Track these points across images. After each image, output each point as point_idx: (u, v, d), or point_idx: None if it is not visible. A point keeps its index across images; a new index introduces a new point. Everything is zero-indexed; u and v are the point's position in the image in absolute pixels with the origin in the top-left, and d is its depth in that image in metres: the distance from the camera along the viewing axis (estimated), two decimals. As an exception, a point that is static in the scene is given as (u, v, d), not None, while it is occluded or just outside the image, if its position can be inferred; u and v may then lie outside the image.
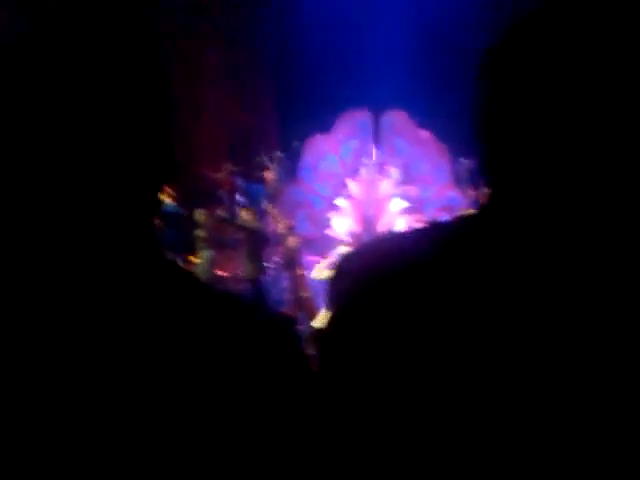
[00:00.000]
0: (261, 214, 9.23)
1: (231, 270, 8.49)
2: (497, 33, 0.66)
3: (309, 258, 8.72)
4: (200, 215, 7.20)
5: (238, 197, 10.45)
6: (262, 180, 12.57)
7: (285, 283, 6.80)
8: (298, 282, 6.71)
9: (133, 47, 0.62)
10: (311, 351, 0.72)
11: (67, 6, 0.60)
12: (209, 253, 7.03)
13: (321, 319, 5.74)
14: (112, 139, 0.59)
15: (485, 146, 0.68)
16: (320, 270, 6.21)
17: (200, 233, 7.02)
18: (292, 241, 6.77)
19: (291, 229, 6.97)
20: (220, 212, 8.61)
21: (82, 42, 0.59)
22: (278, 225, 7.03)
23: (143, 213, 0.64)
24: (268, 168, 13.84)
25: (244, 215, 7.62)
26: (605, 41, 0.60)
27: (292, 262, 6.75)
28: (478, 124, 0.68)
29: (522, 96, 0.62)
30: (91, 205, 0.59)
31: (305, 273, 6.94)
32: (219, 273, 8.03)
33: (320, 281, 6.06)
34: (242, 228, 7.32)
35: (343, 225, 8.16)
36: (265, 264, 7.22)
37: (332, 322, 0.73)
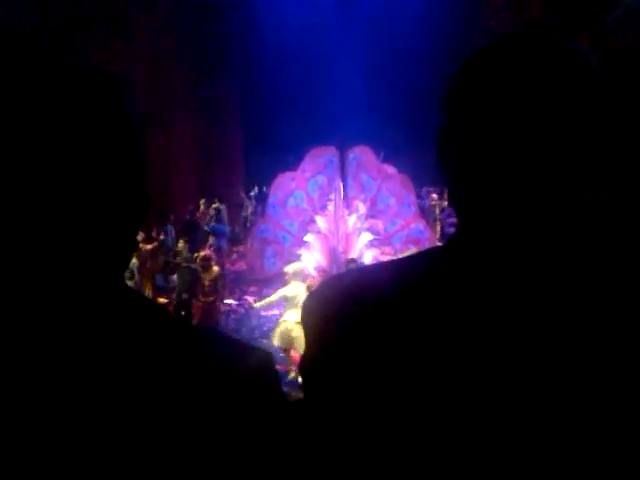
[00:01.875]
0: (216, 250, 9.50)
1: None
2: (459, 66, 0.67)
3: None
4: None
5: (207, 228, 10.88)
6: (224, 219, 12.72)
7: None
8: (211, 309, 6.90)
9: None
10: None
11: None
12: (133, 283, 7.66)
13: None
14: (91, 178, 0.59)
15: (452, 178, 0.69)
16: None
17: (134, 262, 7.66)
18: (213, 271, 7.00)
19: (208, 260, 7.15)
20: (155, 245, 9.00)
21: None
22: (200, 257, 7.28)
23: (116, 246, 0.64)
24: (244, 203, 13.95)
25: (180, 246, 8.06)
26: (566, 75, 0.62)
27: (216, 290, 6.98)
28: (444, 157, 0.69)
29: (489, 128, 0.63)
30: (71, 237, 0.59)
31: (218, 302, 7.19)
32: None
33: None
34: (174, 261, 7.85)
35: (311, 260, 8.16)
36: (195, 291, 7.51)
37: (305, 356, 0.73)
